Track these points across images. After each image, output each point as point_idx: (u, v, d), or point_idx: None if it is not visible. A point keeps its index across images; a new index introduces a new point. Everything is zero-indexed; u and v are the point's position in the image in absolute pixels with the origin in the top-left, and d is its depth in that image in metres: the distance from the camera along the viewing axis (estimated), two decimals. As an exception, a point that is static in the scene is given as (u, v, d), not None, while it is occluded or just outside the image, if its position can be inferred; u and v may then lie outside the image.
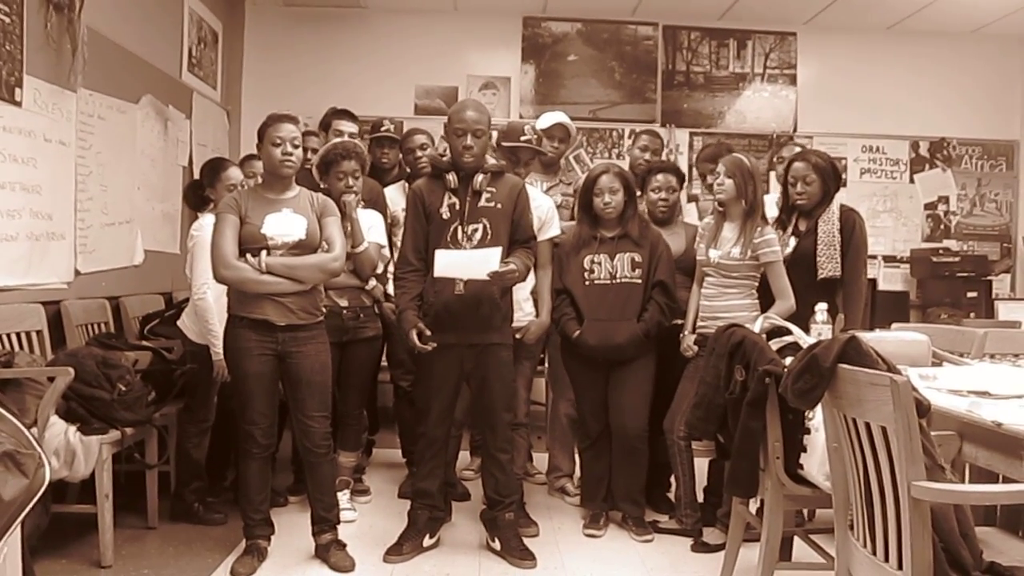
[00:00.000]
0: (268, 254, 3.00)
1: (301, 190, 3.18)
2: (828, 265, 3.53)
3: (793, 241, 3.61)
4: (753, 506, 2.98)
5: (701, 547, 3.42)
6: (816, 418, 2.46)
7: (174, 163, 5.12)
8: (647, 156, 4.40)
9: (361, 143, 3.92)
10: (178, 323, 3.79)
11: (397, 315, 3.35)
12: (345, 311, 3.64)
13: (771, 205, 3.88)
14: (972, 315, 6.10)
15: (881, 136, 6.67)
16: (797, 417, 2.54)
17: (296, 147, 3.08)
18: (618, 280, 3.53)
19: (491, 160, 3.34)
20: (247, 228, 3.02)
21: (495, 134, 3.68)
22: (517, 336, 3.54)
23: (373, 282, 3.74)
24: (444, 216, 3.23)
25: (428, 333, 3.18)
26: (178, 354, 3.75)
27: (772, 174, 4.99)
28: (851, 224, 3.59)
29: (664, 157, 5.82)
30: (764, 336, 2.76)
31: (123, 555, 3.23)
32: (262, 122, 3.12)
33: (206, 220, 3.60)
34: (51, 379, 2.96)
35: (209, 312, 3.53)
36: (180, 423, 3.72)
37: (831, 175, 3.63)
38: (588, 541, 3.55)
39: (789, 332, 2.83)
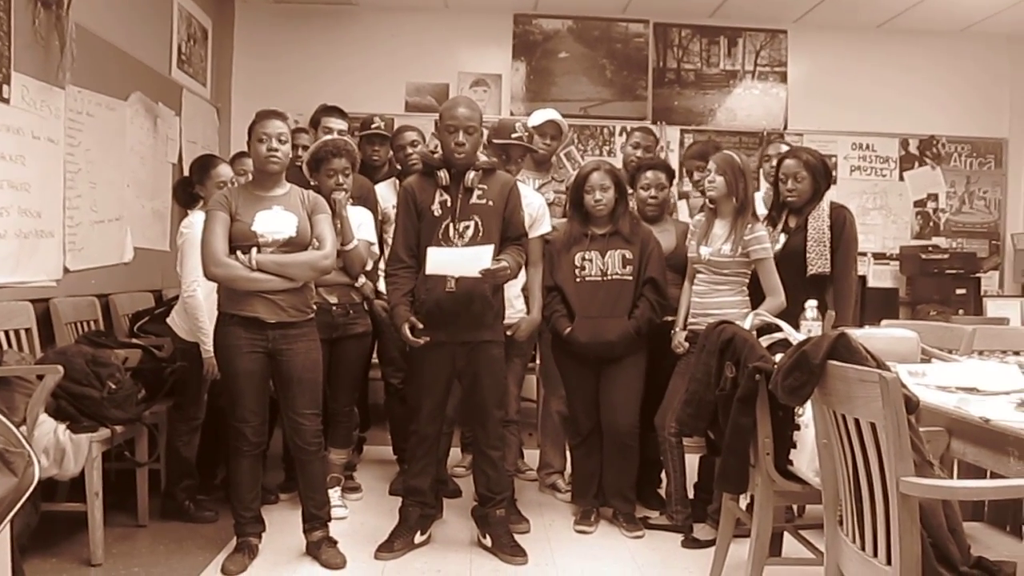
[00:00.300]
0: (259, 251, 3.00)
1: (291, 187, 3.17)
2: (818, 262, 3.54)
3: (783, 238, 3.62)
4: (743, 502, 2.99)
5: (691, 543, 3.43)
6: (806, 414, 2.47)
7: (164, 160, 5.10)
8: (639, 153, 4.41)
9: (351, 140, 3.91)
10: (167, 321, 3.78)
11: (389, 310, 3.34)
12: (335, 308, 3.64)
13: (758, 202, 3.89)
14: (961, 312, 6.13)
15: (871, 134, 6.70)
16: (787, 413, 2.55)
17: (283, 143, 3.07)
18: (609, 277, 3.53)
19: (482, 157, 3.34)
20: (237, 225, 3.01)
21: (486, 131, 3.68)
22: (508, 333, 3.54)
23: (363, 279, 3.74)
24: (436, 213, 3.23)
25: (420, 327, 3.17)
26: (168, 352, 3.74)
27: (760, 172, 4.99)
28: (841, 220, 3.61)
29: (656, 154, 5.84)
30: (754, 333, 2.77)
31: (113, 553, 3.21)
32: (252, 119, 3.11)
33: (196, 217, 3.59)
34: (40, 377, 2.95)
35: (199, 310, 3.52)
36: (170, 421, 3.70)
37: (822, 173, 3.64)
38: (579, 537, 3.55)
39: (779, 329, 2.84)
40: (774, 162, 4.20)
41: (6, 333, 3.33)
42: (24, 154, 3.57)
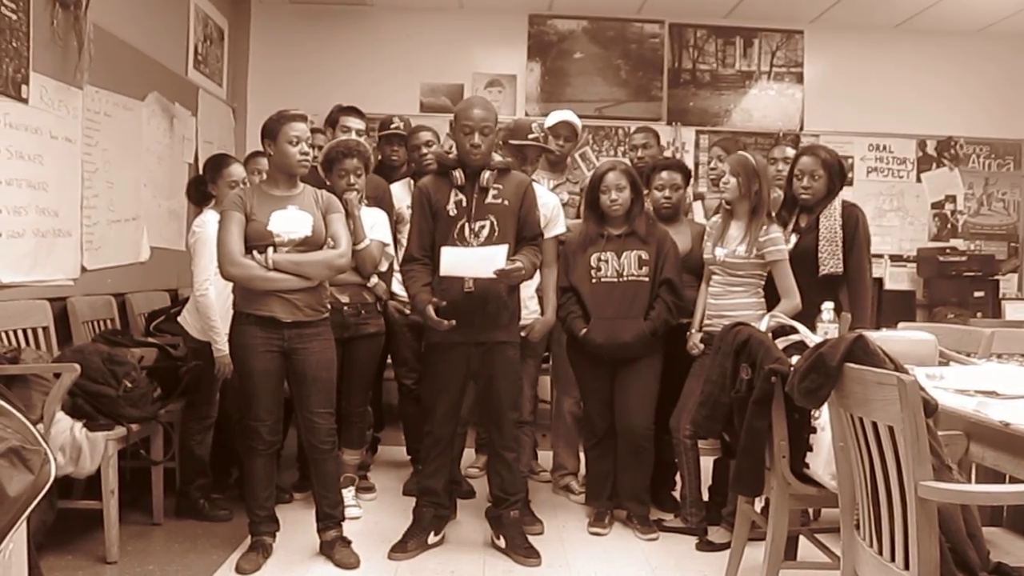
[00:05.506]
0: (274, 251, 3.01)
1: (306, 187, 3.18)
2: (830, 261, 3.50)
3: (794, 238, 3.58)
4: (758, 505, 2.97)
5: (706, 546, 3.41)
6: (822, 417, 2.46)
7: (180, 160, 5.13)
8: (639, 153, 4.40)
9: (369, 140, 3.91)
10: (179, 320, 3.79)
11: (410, 298, 3.34)
12: (346, 307, 3.64)
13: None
14: (979, 315, 6.09)
15: (888, 135, 6.66)
16: (803, 416, 2.53)
17: (311, 146, 3.11)
18: (625, 278, 3.52)
19: (497, 157, 3.34)
20: (253, 225, 3.01)
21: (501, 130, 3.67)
22: (522, 334, 3.54)
23: (375, 279, 3.74)
24: (451, 213, 3.22)
25: (444, 304, 3.15)
26: (183, 351, 3.76)
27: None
28: (853, 220, 3.56)
29: (668, 154, 5.82)
30: (770, 335, 2.75)
31: (128, 551, 3.23)
32: (270, 119, 3.10)
33: (208, 216, 3.61)
34: (57, 375, 2.96)
35: (211, 309, 3.53)
36: (183, 420, 3.72)
37: (838, 172, 3.61)
38: (593, 539, 3.54)
39: (795, 331, 2.82)
40: (780, 165, 4.19)
41: (24, 331, 3.36)
42: (42, 154, 3.59)
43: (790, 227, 3.62)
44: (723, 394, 2.72)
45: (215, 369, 3.58)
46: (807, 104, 6.67)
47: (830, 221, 3.53)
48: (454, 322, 3.13)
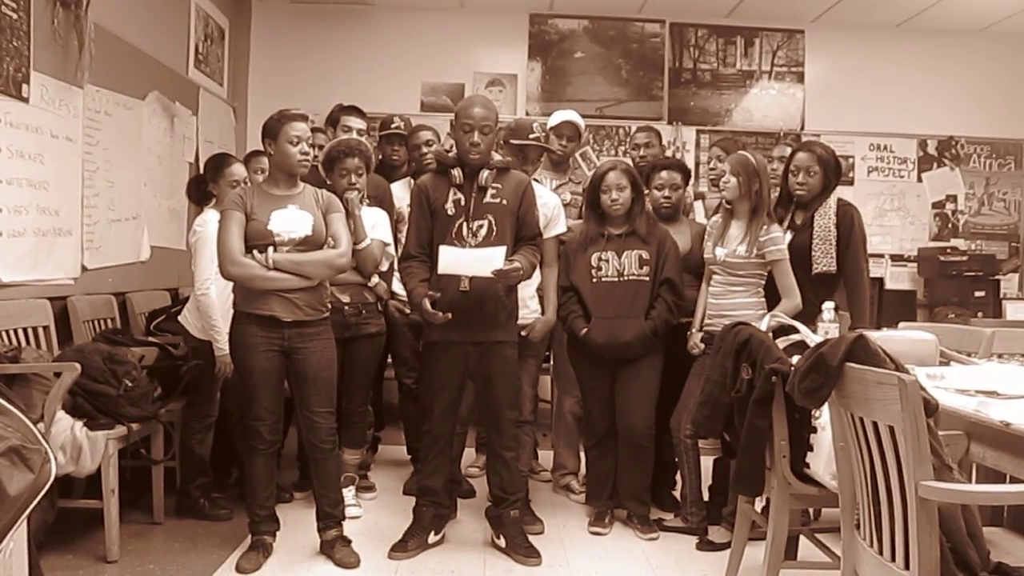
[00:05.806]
0: (275, 250, 3.01)
1: (306, 187, 3.18)
2: (823, 260, 3.49)
3: (788, 235, 3.58)
4: (759, 505, 2.97)
5: (706, 545, 3.41)
6: (823, 417, 2.45)
7: (180, 159, 5.13)
8: (641, 152, 4.41)
9: (370, 140, 3.90)
10: (179, 319, 3.79)
11: (407, 293, 3.34)
12: (347, 307, 3.64)
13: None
14: (980, 314, 6.08)
15: (889, 134, 6.65)
16: (804, 416, 2.53)
17: (311, 145, 3.11)
18: (626, 278, 3.51)
19: (497, 156, 3.33)
20: (253, 225, 3.01)
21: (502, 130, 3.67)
22: (522, 333, 3.54)
23: (376, 279, 3.74)
24: (449, 212, 3.22)
25: (439, 295, 3.15)
26: (184, 350, 3.75)
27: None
28: (849, 219, 3.55)
29: (669, 153, 5.83)
30: (771, 334, 2.75)
31: (129, 550, 3.23)
32: (271, 118, 3.10)
33: (209, 216, 3.61)
34: (57, 374, 2.96)
35: (212, 308, 3.53)
36: (184, 419, 3.72)
37: (833, 169, 3.61)
38: (593, 539, 3.54)
39: (796, 330, 2.82)
40: (775, 164, 4.19)
41: (24, 331, 3.36)
42: (43, 153, 3.59)
43: (785, 224, 3.62)
44: (724, 394, 2.72)
45: (216, 368, 3.58)
46: (808, 104, 6.67)
47: (824, 220, 3.53)
48: (450, 315, 3.12)
